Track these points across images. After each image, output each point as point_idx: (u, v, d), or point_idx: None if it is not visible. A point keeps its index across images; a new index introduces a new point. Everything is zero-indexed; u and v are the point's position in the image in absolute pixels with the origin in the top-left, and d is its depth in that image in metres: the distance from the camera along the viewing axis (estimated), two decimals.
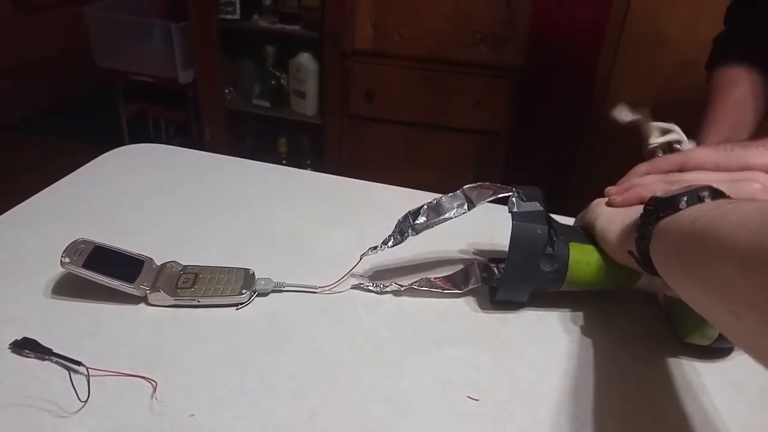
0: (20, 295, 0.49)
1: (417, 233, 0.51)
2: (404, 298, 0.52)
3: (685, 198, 0.38)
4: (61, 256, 0.47)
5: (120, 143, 0.77)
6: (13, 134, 2.59)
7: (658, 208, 0.40)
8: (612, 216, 0.49)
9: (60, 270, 0.48)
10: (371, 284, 0.53)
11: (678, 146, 0.58)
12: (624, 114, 0.62)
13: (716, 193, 0.38)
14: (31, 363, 0.43)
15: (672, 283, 0.38)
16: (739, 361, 0.47)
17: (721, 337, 0.45)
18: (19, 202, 0.63)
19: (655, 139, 0.58)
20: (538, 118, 1.98)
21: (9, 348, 0.44)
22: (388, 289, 0.52)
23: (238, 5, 1.82)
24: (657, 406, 0.43)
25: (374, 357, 0.45)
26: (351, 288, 0.53)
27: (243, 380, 0.43)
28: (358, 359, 0.45)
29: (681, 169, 0.49)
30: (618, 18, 1.62)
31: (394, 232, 0.52)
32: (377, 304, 0.51)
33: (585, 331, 0.50)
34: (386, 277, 0.54)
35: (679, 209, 0.38)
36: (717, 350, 0.47)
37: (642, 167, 0.52)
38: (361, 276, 0.54)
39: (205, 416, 0.39)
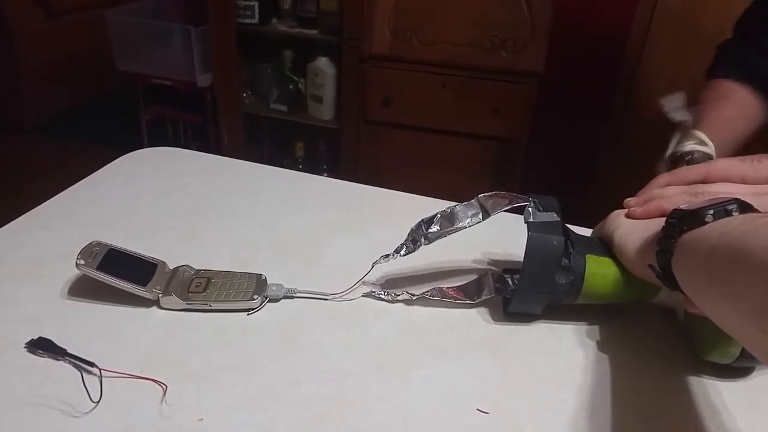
0: (37, 295, 0.50)
1: (430, 242, 0.51)
2: (415, 308, 0.52)
3: (712, 211, 0.37)
4: (77, 259, 0.47)
5: (139, 145, 0.78)
6: (36, 136, 2.65)
7: (682, 221, 0.38)
8: (631, 228, 0.47)
9: (76, 271, 0.48)
10: (382, 292, 0.52)
11: (694, 157, 0.57)
12: (675, 109, 0.59)
13: (744, 207, 0.37)
14: (45, 363, 0.43)
15: (697, 299, 0.37)
16: (760, 381, 0.46)
17: (742, 355, 0.44)
18: (40, 203, 0.63)
19: (689, 145, 0.56)
20: (558, 126, 1.96)
21: (25, 347, 0.44)
22: (399, 297, 0.52)
23: (256, 9, 1.83)
24: (674, 424, 0.42)
25: (383, 366, 0.45)
26: (362, 296, 0.52)
27: (251, 386, 0.42)
28: (366, 368, 0.45)
29: (704, 181, 0.48)
30: (642, 26, 1.60)
31: (406, 240, 0.51)
32: (388, 313, 0.51)
33: (600, 345, 0.49)
34: (398, 285, 0.54)
35: (705, 223, 0.37)
36: (737, 369, 0.46)
37: (663, 178, 0.51)
38: (372, 284, 0.54)
39: (213, 421, 0.39)
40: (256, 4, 1.82)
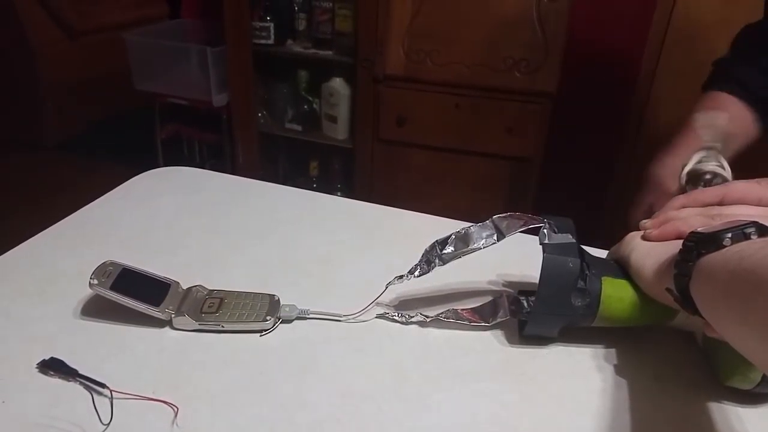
0: (51, 314, 0.50)
1: (444, 263, 0.50)
2: (430, 330, 0.51)
3: (730, 234, 0.36)
4: (90, 278, 0.48)
5: (155, 163, 0.79)
6: (55, 153, 2.69)
7: (700, 244, 0.38)
8: (648, 250, 0.47)
9: (89, 291, 0.48)
10: (396, 314, 0.52)
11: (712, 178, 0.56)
12: (707, 127, 0.58)
13: (763, 230, 0.36)
14: (56, 383, 0.43)
15: (717, 324, 0.36)
16: None
17: (763, 381, 0.43)
18: (57, 220, 0.64)
19: (709, 166, 0.56)
20: (572, 146, 1.95)
21: (36, 367, 0.44)
22: (413, 319, 0.51)
23: (272, 31, 1.86)
24: None
25: (397, 390, 0.44)
26: (376, 317, 0.52)
27: (263, 408, 0.42)
28: (380, 391, 0.44)
29: (721, 203, 0.47)
30: (655, 45, 1.60)
31: (420, 261, 0.51)
32: (402, 335, 0.50)
33: (618, 369, 0.48)
34: (412, 307, 0.53)
35: (723, 246, 0.36)
36: (759, 395, 0.44)
37: (679, 200, 0.50)
38: (386, 305, 0.53)
39: None
40: (272, 25, 1.85)
